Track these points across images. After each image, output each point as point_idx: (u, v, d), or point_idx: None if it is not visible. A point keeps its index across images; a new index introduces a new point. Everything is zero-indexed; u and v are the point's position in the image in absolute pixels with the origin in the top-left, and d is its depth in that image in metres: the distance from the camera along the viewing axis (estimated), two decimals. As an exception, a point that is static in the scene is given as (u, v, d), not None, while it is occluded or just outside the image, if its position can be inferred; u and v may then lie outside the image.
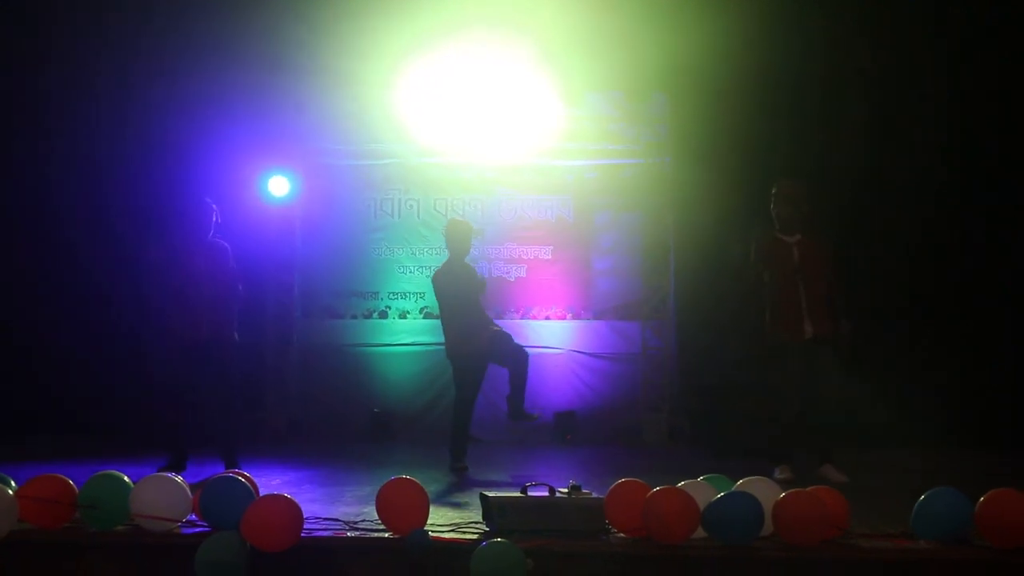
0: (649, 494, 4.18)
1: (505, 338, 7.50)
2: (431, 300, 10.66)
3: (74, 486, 4.31)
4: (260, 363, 10.26)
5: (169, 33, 9.28)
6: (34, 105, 9.50)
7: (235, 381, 7.20)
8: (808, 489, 4.28)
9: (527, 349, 7.70)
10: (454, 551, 4.04)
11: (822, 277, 6.93)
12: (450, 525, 4.50)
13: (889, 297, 8.97)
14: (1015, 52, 9.12)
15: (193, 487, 4.34)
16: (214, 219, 6.98)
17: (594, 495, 4.43)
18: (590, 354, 10.68)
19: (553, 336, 10.59)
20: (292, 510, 4.06)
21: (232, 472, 4.50)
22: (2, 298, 9.31)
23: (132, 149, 9.60)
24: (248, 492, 4.18)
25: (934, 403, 8.49)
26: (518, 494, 4.44)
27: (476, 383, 7.51)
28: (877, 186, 9.16)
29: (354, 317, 10.81)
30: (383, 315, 10.79)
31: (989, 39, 9.19)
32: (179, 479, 4.36)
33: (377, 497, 4.28)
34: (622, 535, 4.27)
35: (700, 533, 4.12)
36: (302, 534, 4.09)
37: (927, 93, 9.39)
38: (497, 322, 7.85)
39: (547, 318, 10.68)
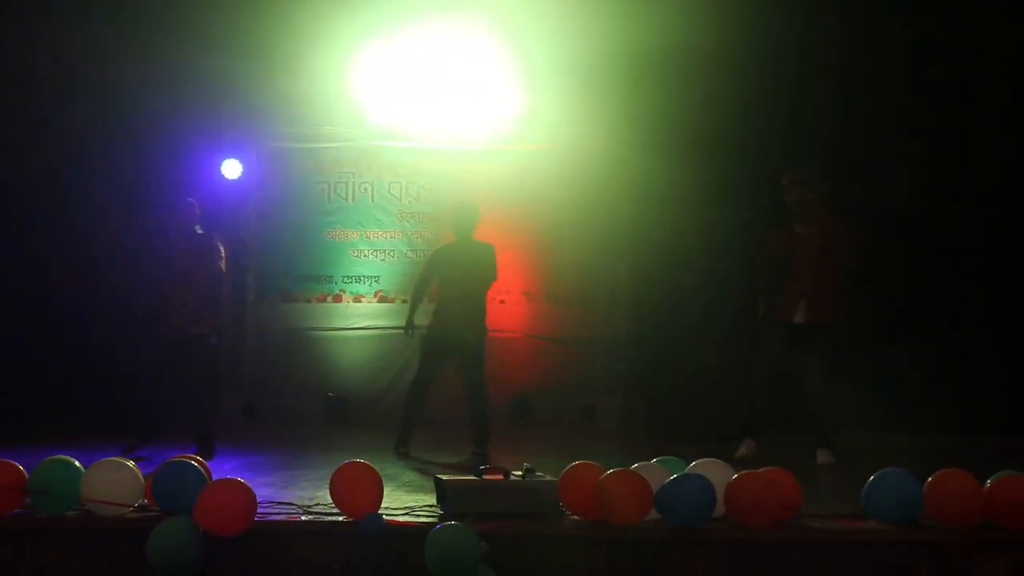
0: (602, 476, 4.21)
1: (470, 363, 7.58)
2: (385, 283, 10.71)
3: (24, 471, 4.26)
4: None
5: (118, 16, 9.13)
6: None
7: (214, 376, 7.36)
8: (760, 471, 4.34)
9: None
10: (408, 534, 4.06)
11: (814, 268, 6.79)
12: (404, 508, 4.51)
13: (878, 292, 8.90)
14: (986, 48, 9.17)
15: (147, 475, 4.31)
16: (196, 216, 7.16)
17: (548, 478, 4.46)
18: (545, 338, 10.69)
19: (508, 320, 10.56)
20: (245, 494, 4.05)
21: (187, 457, 4.47)
22: None
23: (87, 136, 9.49)
24: (200, 476, 4.16)
25: (932, 392, 8.49)
26: (473, 477, 4.46)
27: (427, 366, 7.58)
28: (844, 175, 9.09)
29: (308, 301, 10.72)
30: (337, 299, 10.73)
31: (953, 32, 9.21)
32: (131, 464, 4.32)
33: (331, 481, 4.27)
34: (576, 517, 4.30)
35: (654, 515, 4.16)
36: (256, 518, 4.08)
37: (893, 81, 9.41)
38: None
39: (502, 302, 10.65)
